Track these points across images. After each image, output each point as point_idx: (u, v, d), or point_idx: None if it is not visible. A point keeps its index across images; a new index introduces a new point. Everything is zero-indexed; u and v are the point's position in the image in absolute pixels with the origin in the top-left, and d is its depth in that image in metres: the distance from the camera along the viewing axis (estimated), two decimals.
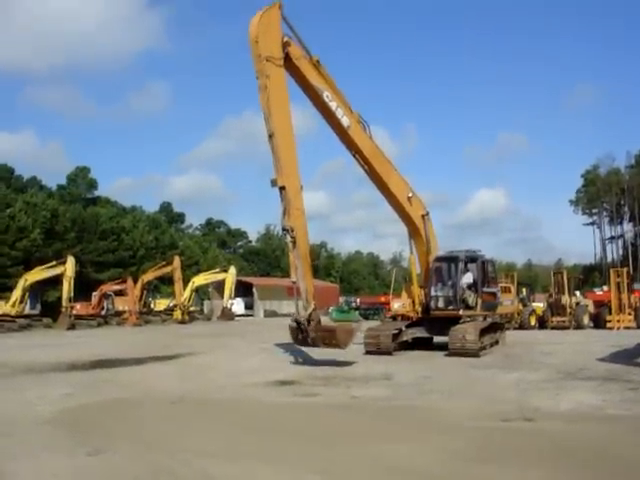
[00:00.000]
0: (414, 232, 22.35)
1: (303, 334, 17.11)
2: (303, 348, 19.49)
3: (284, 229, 16.88)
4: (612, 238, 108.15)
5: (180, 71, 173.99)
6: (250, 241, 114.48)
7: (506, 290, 26.51)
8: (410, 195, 21.52)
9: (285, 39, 17.55)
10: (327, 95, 19.01)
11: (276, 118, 16.71)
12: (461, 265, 21.68)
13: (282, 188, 16.58)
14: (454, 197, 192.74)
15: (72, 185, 77.47)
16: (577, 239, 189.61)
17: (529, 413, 10.50)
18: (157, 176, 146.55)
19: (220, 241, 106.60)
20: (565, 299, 37.44)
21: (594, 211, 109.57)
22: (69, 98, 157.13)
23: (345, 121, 19.49)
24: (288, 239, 16.77)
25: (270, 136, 16.68)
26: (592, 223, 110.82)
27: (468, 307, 21.47)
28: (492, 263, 24.50)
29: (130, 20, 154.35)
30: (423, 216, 22.01)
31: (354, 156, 20.62)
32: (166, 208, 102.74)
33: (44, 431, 9.67)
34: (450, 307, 21.52)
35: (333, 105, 19.18)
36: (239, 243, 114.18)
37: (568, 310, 37.01)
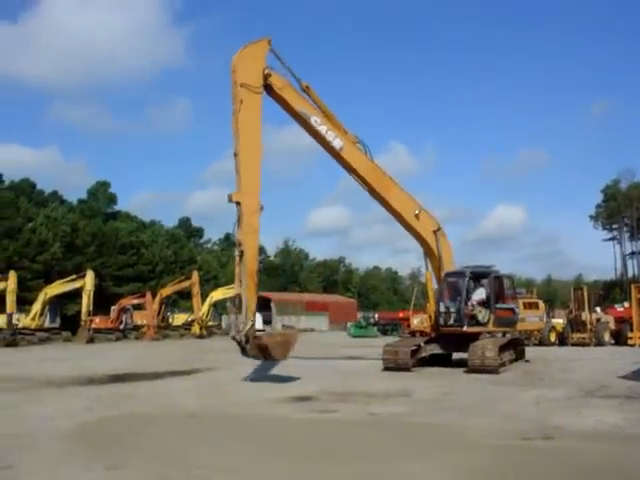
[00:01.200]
0: (427, 248, 22.32)
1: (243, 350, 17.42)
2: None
3: (235, 242, 17.77)
4: (633, 253, 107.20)
5: (201, 88, 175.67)
6: (268, 256, 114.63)
7: (532, 306, 25.87)
8: (417, 212, 21.50)
9: (266, 71, 18.38)
10: (315, 120, 19.67)
11: (242, 140, 17.44)
12: (466, 281, 21.51)
13: (237, 203, 17.23)
14: (473, 212, 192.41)
15: (92, 200, 78.12)
16: (597, 255, 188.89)
17: (549, 431, 10.36)
18: (177, 191, 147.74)
19: None
20: (585, 315, 37.07)
21: (614, 226, 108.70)
22: (93, 114, 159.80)
23: (337, 143, 20.01)
24: (236, 252, 17.39)
25: (235, 154, 17.47)
26: (612, 238, 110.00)
27: (478, 323, 21.25)
28: (510, 279, 24.26)
29: (154, 39, 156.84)
30: (435, 232, 21.89)
31: (350, 174, 21.11)
32: (185, 223, 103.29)
33: (62, 445, 9.68)
34: (456, 324, 21.33)
35: (323, 129, 19.77)
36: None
37: (589, 327, 36.65)
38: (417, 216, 21.51)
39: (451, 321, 21.46)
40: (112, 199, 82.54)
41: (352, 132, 20.73)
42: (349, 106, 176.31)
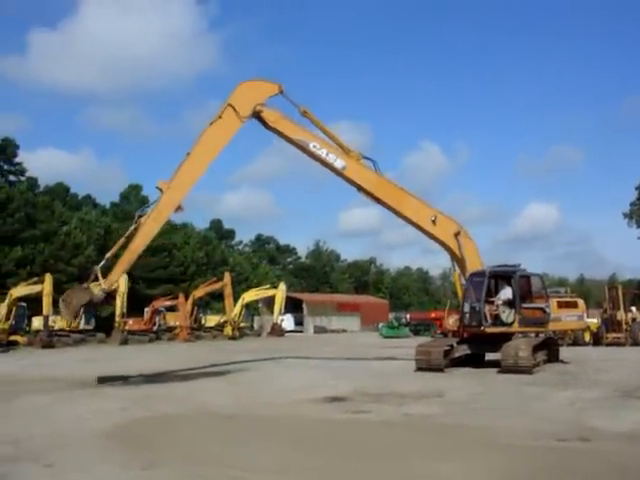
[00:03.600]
0: (450, 252, 22.25)
1: None
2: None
3: (139, 216, 18.85)
4: None
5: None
6: (299, 257, 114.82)
7: (570, 305, 25.40)
8: (434, 218, 21.39)
9: (258, 107, 19.50)
10: (314, 145, 20.36)
11: (200, 148, 18.79)
12: (486, 280, 21.37)
13: (160, 191, 18.47)
14: (505, 211, 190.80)
15: (125, 203, 78.85)
16: (632, 253, 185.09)
17: (585, 433, 10.25)
18: (209, 193, 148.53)
19: (270, 257, 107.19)
20: (620, 315, 36.54)
21: None
22: (128, 118, 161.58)
23: (339, 164, 20.50)
24: (132, 227, 18.49)
25: (187, 154, 18.70)
26: None
27: (502, 323, 21.07)
28: (539, 278, 23.97)
29: (189, 43, 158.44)
30: (456, 235, 21.70)
31: (358, 191, 21.45)
32: (216, 225, 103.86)
33: (98, 445, 9.82)
34: (474, 323, 21.25)
35: (323, 152, 20.39)
36: (288, 259, 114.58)
37: (624, 326, 36.12)
38: (434, 222, 21.44)
39: (472, 321, 21.41)
40: (144, 202, 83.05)
41: (356, 149, 21.20)
42: (380, 107, 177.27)
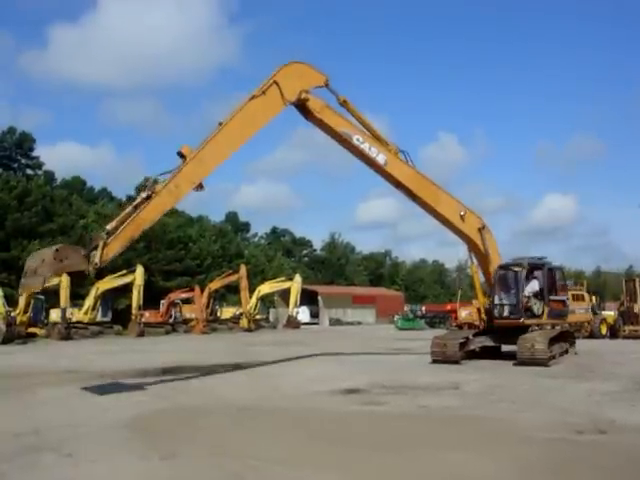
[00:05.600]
0: (472, 245, 21.98)
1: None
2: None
3: (155, 181, 15.62)
4: None
5: (254, 85, 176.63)
6: (315, 249, 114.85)
7: (579, 298, 25.75)
8: (463, 213, 21.04)
9: (303, 95, 17.58)
10: (357, 138, 18.78)
11: (236, 121, 16.40)
12: (524, 273, 21.31)
13: (183, 159, 15.76)
14: (523, 201, 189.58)
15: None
16: None
17: (603, 425, 10.23)
18: (226, 185, 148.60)
19: (285, 250, 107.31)
20: (638, 307, 36.38)
21: None
22: (148, 112, 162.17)
23: (381, 158, 19.15)
24: (142, 194, 15.30)
25: (220, 124, 16.38)
26: None
27: (534, 315, 21.08)
28: (560, 270, 24.05)
29: (210, 38, 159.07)
30: (479, 229, 21.52)
31: (397, 188, 20.33)
32: (232, 218, 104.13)
33: (118, 435, 9.92)
34: (512, 316, 21.20)
35: (366, 146, 18.92)
36: (304, 252, 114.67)
37: None
38: (462, 217, 21.06)
39: (506, 313, 21.38)
40: None
41: (393, 142, 19.83)
42: (397, 98, 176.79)
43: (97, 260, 14.35)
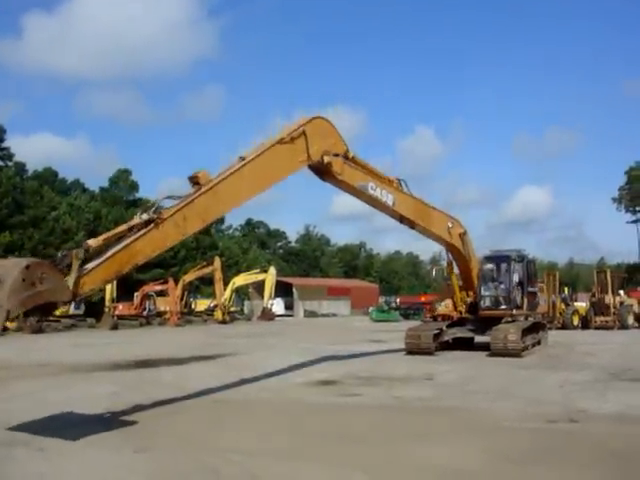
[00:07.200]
0: (454, 251, 21.69)
1: None
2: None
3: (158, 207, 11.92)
4: None
5: (233, 76, 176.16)
6: (290, 241, 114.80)
7: (540, 290, 26.59)
8: (450, 225, 20.72)
9: (326, 159, 15.52)
10: (371, 186, 17.88)
11: (259, 163, 13.65)
12: (513, 265, 21.72)
13: (196, 185, 12.38)
14: (499, 194, 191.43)
15: (114, 188, 78.54)
16: (621, 237, 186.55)
17: (575, 414, 10.37)
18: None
19: (260, 242, 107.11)
20: (609, 298, 36.87)
21: (638, 208, 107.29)
22: (124, 104, 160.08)
23: (390, 199, 18.47)
24: (146, 214, 11.56)
25: (241, 158, 13.58)
26: (636, 221, 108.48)
27: (517, 306, 21.46)
28: (533, 263, 24.39)
29: (188, 29, 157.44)
30: (461, 235, 21.46)
31: (401, 222, 19.65)
32: None
33: (90, 429, 9.81)
34: (502, 307, 21.61)
35: (378, 192, 18.11)
36: (278, 244, 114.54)
37: (612, 310, 36.45)
38: (449, 230, 20.70)
39: (495, 304, 21.85)
40: (134, 186, 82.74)
41: (393, 177, 18.90)
42: (375, 91, 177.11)
43: (74, 290, 10.13)
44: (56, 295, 9.63)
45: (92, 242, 10.79)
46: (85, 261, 10.51)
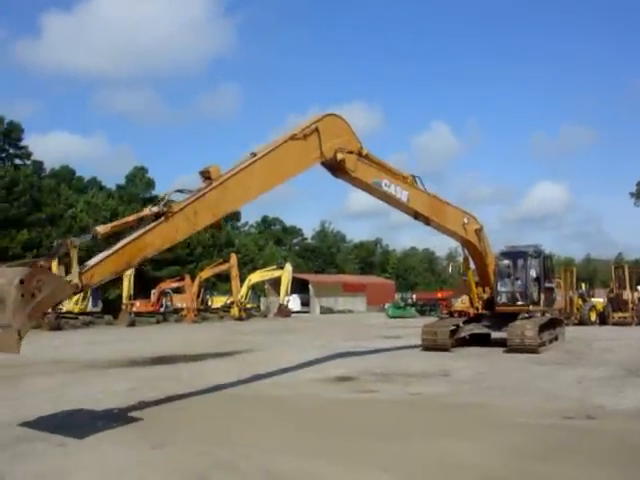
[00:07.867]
0: (471, 247, 21.62)
1: None
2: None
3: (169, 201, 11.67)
4: None
5: (249, 74, 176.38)
6: (305, 238, 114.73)
7: (558, 285, 26.49)
8: (466, 221, 20.62)
9: (340, 156, 15.50)
10: (385, 183, 17.74)
11: (271, 158, 13.65)
12: (530, 260, 21.70)
13: (207, 180, 12.36)
14: (516, 190, 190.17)
15: (131, 185, 78.93)
16: (638, 232, 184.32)
17: (592, 411, 10.32)
18: None
19: (275, 238, 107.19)
20: (627, 294, 36.59)
21: None
22: (142, 102, 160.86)
23: (404, 196, 18.29)
24: (156, 207, 11.48)
25: (252, 154, 13.54)
26: None
27: (534, 302, 21.38)
28: (550, 258, 24.26)
29: (205, 28, 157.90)
30: (477, 231, 21.39)
31: (416, 218, 19.54)
32: None
33: (108, 425, 9.90)
34: (519, 302, 21.54)
35: (392, 188, 17.95)
36: (294, 240, 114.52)
37: (630, 305, 36.18)
38: (465, 226, 20.66)
39: (511, 300, 21.76)
40: (150, 184, 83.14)
41: (407, 173, 18.65)
42: (391, 87, 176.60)
43: (76, 281, 9.86)
44: (58, 296, 9.68)
45: (100, 229, 10.73)
46: (93, 248, 9.89)
